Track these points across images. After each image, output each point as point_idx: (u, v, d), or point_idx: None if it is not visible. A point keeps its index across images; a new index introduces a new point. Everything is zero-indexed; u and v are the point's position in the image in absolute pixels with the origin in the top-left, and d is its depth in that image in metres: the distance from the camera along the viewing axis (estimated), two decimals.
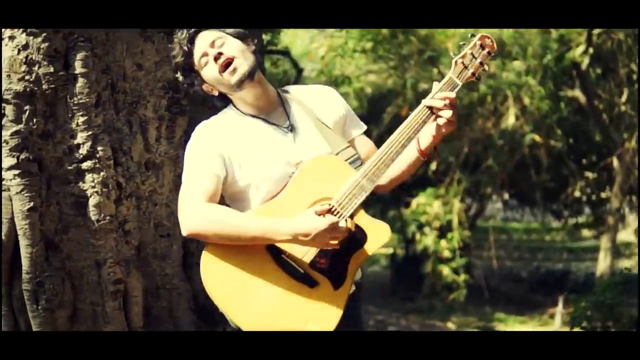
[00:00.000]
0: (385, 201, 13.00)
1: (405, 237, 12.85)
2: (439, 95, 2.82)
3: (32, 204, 3.44)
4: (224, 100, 2.97)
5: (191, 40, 2.89)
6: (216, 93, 2.94)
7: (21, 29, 3.43)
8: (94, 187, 3.55)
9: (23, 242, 3.45)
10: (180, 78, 2.96)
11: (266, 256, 2.78)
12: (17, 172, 3.42)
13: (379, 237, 2.85)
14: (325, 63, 10.60)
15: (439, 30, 9.91)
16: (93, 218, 3.55)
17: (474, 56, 2.87)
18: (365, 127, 3.13)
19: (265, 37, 9.57)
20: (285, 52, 10.22)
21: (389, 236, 2.86)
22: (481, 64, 2.88)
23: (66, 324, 3.56)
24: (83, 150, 3.54)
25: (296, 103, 2.99)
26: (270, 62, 10.66)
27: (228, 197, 2.94)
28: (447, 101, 2.81)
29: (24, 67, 3.43)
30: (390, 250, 13.77)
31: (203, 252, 2.76)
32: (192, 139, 2.90)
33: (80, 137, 3.53)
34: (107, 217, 3.57)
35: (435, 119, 2.84)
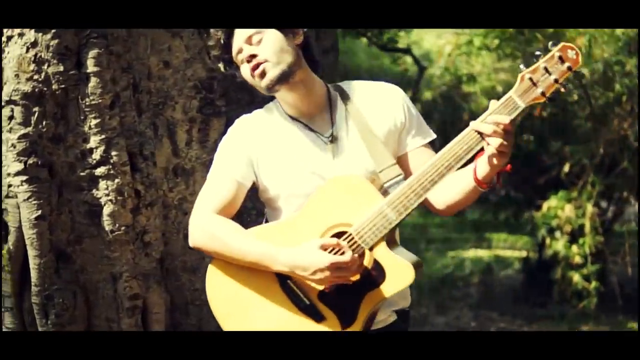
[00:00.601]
0: (519, 202, 12.37)
1: (537, 241, 12.22)
2: (491, 118, 2.36)
3: (40, 212, 3.21)
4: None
5: (228, 34, 2.62)
6: None
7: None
8: (108, 194, 3.29)
9: (31, 253, 3.23)
10: (222, 69, 2.74)
11: (272, 278, 2.56)
12: (24, 177, 3.20)
13: (399, 278, 2.46)
14: (451, 61, 10.12)
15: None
16: (107, 228, 3.29)
17: (548, 71, 2.36)
18: (432, 137, 2.70)
19: (387, 35, 9.24)
20: (407, 50, 9.84)
21: (411, 279, 2.45)
22: (556, 81, 2.36)
23: None
24: (96, 155, 3.28)
25: (346, 106, 2.65)
26: (390, 60, 10.29)
27: (264, 202, 2.74)
28: (499, 127, 2.34)
29: (32, 66, 3.20)
30: (523, 254, 13.17)
31: (210, 263, 2.64)
32: (225, 136, 2.74)
33: (93, 141, 3.27)
34: (123, 228, 3.30)
35: (487, 146, 2.38)
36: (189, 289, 3.52)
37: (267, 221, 2.77)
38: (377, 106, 2.67)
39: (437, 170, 2.42)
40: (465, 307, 9.61)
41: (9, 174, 3.21)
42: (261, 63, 2.55)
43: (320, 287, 2.50)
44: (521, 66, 2.40)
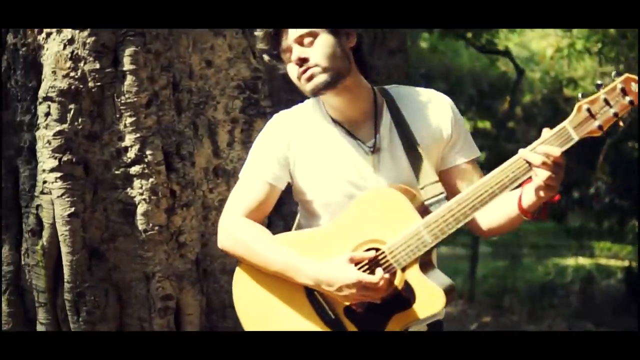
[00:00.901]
0: (624, 210, 11.89)
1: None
2: (541, 148, 2.20)
3: (73, 209, 3.21)
4: None
5: (278, 30, 2.48)
6: None
7: None
8: (142, 194, 3.26)
9: (64, 249, 3.23)
10: (266, 58, 2.55)
11: (299, 287, 2.45)
12: (58, 174, 3.21)
13: (429, 303, 2.34)
14: (551, 65, 9.76)
15: None
16: (141, 227, 3.27)
17: (608, 103, 2.16)
18: (477, 154, 2.57)
19: (486, 36, 9.04)
20: (506, 52, 9.58)
21: (441, 306, 2.34)
22: (616, 115, 2.16)
23: None
24: (131, 154, 3.26)
25: (392, 115, 2.51)
26: (489, 62, 10.06)
27: (298, 202, 2.66)
28: (549, 159, 2.19)
29: (69, 63, 3.21)
30: (626, 263, 12.65)
31: (238, 266, 2.56)
32: (261, 132, 2.62)
33: (128, 139, 3.25)
34: (156, 228, 3.27)
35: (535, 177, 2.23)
36: (227, 291, 3.45)
37: (299, 221, 2.70)
38: (424, 116, 2.53)
39: (479, 196, 2.29)
40: (559, 316, 9.27)
41: (44, 170, 3.23)
42: (310, 67, 2.42)
43: (346, 303, 2.40)
44: (579, 95, 2.21)
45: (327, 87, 2.42)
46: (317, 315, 2.43)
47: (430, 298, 2.33)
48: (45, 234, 3.27)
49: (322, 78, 2.41)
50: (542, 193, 2.24)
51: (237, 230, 2.51)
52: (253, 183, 2.54)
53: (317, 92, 2.44)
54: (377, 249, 2.37)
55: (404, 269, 2.35)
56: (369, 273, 2.32)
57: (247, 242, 2.48)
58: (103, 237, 3.30)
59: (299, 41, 2.44)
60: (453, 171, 2.55)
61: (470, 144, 2.57)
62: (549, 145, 2.20)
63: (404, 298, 2.35)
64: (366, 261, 2.35)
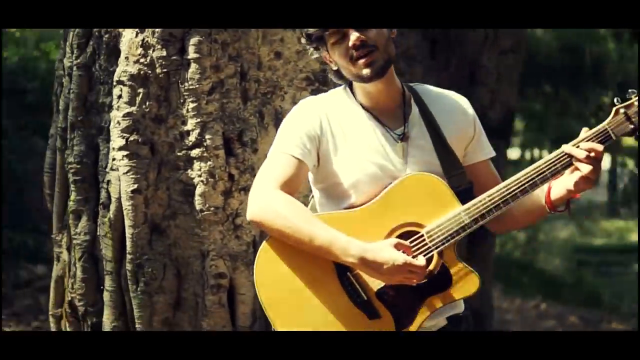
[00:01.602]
0: None
1: None
2: (585, 145, 2.41)
3: (136, 186, 3.46)
4: (341, 77, 2.60)
5: None
6: (335, 67, 2.58)
7: None
8: (200, 175, 3.46)
9: (127, 223, 3.49)
10: (303, 40, 2.60)
11: (331, 268, 2.46)
12: (125, 153, 3.47)
13: (465, 286, 2.46)
14: None
15: None
16: (198, 207, 3.47)
17: (636, 109, 2.43)
18: (493, 154, 2.67)
19: None
20: None
21: (476, 288, 2.45)
22: None
23: (166, 310, 3.54)
24: (192, 138, 3.47)
25: (420, 108, 2.59)
26: None
27: (318, 190, 2.64)
28: (592, 154, 2.39)
29: (140, 50, 3.46)
30: None
31: (263, 242, 2.50)
32: (288, 115, 2.62)
33: (190, 123, 3.46)
34: (212, 208, 3.46)
35: (572, 171, 2.43)
36: None
37: (315, 210, 2.71)
38: (449, 113, 2.60)
39: (520, 185, 2.44)
40: None
41: (113, 149, 3.50)
42: (371, 51, 2.47)
43: (382, 284, 2.44)
44: (616, 100, 2.45)
45: (383, 72, 2.48)
46: (348, 297, 2.46)
47: (466, 282, 2.44)
48: (112, 207, 3.54)
49: (380, 63, 2.47)
50: (581, 185, 2.41)
51: (276, 202, 2.45)
52: (284, 159, 2.51)
53: (372, 77, 2.47)
54: (414, 232, 2.43)
55: (440, 253, 2.42)
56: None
57: (288, 215, 2.43)
58: (165, 214, 3.52)
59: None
60: (474, 167, 2.62)
61: (487, 144, 2.67)
62: (590, 142, 2.40)
63: (439, 281, 2.43)
64: (408, 247, 2.40)
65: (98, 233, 3.64)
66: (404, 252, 2.38)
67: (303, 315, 2.46)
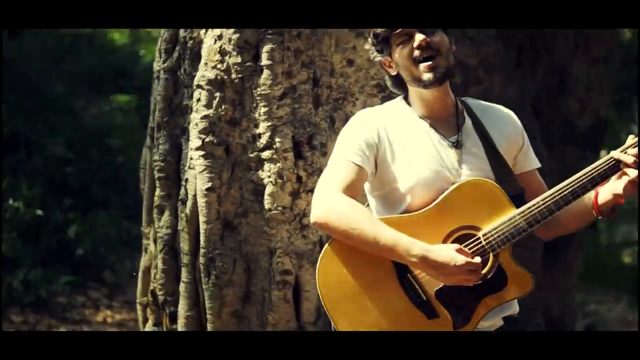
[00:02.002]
0: None
1: None
2: (632, 151, 2.52)
3: (210, 184, 3.67)
4: (398, 85, 2.74)
5: None
6: (394, 72, 2.70)
7: None
8: (269, 176, 3.64)
9: (201, 219, 3.71)
10: (369, 42, 2.71)
11: (391, 270, 2.58)
12: (201, 153, 3.69)
13: (520, 286, 2.60)
14: None
15: None
16: (266, 207, 3.65)
17: None
18: (539, 165, 2.79)
19: None
20: None
21: (530, 287, 2.59)
22: None
23: (236, 302, 3.73)
24: (263, 140, 3.65)
25: (472, 119, 2.72)
26: None
27: (374, 198, 2.76)
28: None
29: (217, 56, 3.67)
30: None
31: (326, 245, 2.63)
32: (349, 122, 2.74)
33: (262, 127, 3.65)
34: (280, 208, 3.63)
35: (620, 176, 2.55)
36: None
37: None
38: (500, 124, 2.73)
39: (571, 189, 2.55)
40: None
41: (191, 149, 3.72)
42: (435, 55, 2.58)
43: (440, 285, 2.55)
44: None
45: (444, 80, 2.61)
46: (408, 297, 2.57)
47: (521, 281, 2.57)
48: (189, 203, 3.77)
49: (442, 70, 2.59)
50: (629, 190, 2.51)
51: (341, 205, 2.55)
52: (345, 166, 2.61)
53: (434, 82, 2.59)
54: (471, 235, 2.56)
55: (496, 255, 2.55)
56: None
57: (353, 216, 2.53)
58: (237, 211, 3.72)
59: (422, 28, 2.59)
60: (522, 176, 2.73)
61: (534, 155, 2.78)
62: (637, 147, 2.51)
63: (495, 282, 2.56)
64: (468, 252, 2.51)
65: (178, 227, 3.88)
66: (463, 249, 2.50)
67: (364, 315, 2.57)
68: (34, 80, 8.22)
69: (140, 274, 4.20)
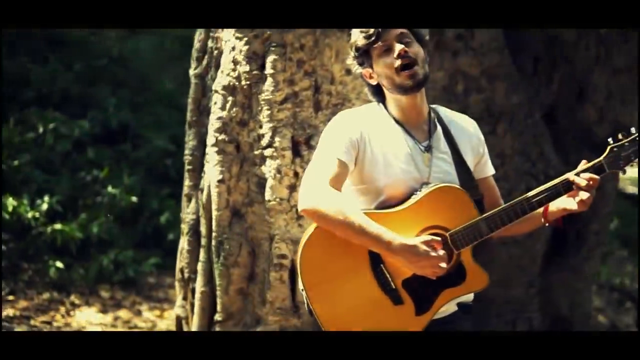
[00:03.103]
0: None
1: None
2: (585, 175, 2.86)
3: (221, 176, 4.21)
4: (378, 94, 3.02)
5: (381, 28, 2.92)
6: (374, 82, 2.98)
7: (232, 31, 4.17)
8: (270, 171, 4.13)
9: (212, 207, 4.25)
10: (352, 55, 3.01)
11: (365, 259, 2.86)
12: (215, 149, 4.23)
13: (475, 283, 2.95)
14: None
15: None
16: (267, 198, 4.14)
17: (625, 149, 2.86)
18: (494, 171, 3.15)
19: None
20: None
21: (484, 285, 2.95)
22: (629, 159, 2.87)
23: (241, 281, 4.26)
24: (265, 140, 4.14)
25: (442, 127, 3.02)
26: None
27: (357, 193, 2.98)
28: (591, 182, 2.84)
29: (231, 65, 4.20)
30: None
31: (313, 231, 2.86)
32: (332, 122, 2.97)
33: (265, 128, 4.14)
34: (277, 199, 4.11)
35: (571, 195, 2.88)
36: None
37: None
38: (465, 133, 3.05)
39: (530, 202, 2.90)
40: None
41: (208, 145, 4.28)
42: (413, 63, 2.86)
43: (407, 276, 2.88)
44: (610, 140, 2.87)
45: (421, 85, 2.88)
46: (378, 285, 2.87)
47: (477, 279, 2.92)
48: (205, 192, 4.33)
49: (420, 76, 2.87)
50: (578, 207, 2.86)
51: (331, 196, 2.78)
52: (331, 161, 2.85)
53: (413, 87, 2.87)
54: (440, 234, 2.88)
55: (459, 253, 2.89)
56: None
57: (342, 208, 2.77)
58: (244, 201, 4.25)
59: (399, 39, 2.88)
60: (480, 181, 3.06)
61: (490, 162, 3.12)
62: (590, 173, 2.85)
63: (456, 277, 2.90)
64: (435, 242, 2.84)
65: (199, 214, 4.45)
66: (434, 246, 2.80)
67: (337, 297, 2.86)
68: (146, 78, 8.86)
69: (178, 255, 4.79)
